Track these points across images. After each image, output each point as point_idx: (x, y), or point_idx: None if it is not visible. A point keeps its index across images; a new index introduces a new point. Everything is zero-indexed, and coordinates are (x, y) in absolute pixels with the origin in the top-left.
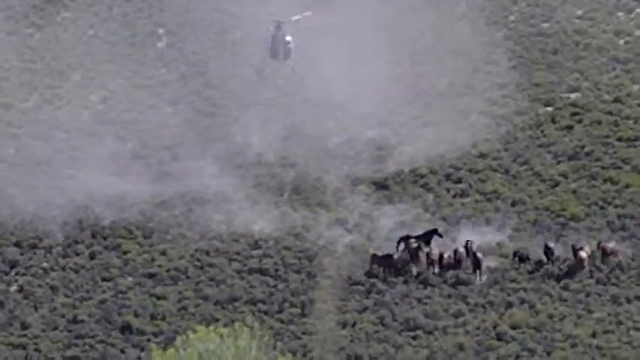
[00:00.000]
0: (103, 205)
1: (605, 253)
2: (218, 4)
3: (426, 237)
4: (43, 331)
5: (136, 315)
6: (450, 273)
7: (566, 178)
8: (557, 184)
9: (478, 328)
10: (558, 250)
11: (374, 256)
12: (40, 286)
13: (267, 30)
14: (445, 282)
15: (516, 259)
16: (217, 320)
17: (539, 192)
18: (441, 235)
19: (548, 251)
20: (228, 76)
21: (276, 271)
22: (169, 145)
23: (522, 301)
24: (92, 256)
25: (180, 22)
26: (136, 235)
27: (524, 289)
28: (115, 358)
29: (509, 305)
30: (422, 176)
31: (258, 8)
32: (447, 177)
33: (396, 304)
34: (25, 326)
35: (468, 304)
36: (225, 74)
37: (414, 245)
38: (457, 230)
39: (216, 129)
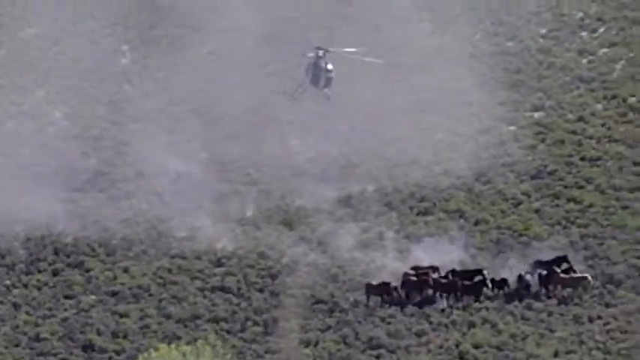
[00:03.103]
0: (66, 222)
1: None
2: (183, 21)
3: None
4: (6, 348)
5: (99, 333)
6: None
7: (529, 197)
8: (520, 203)
9: (441, 347)
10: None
11: (368, 285)
12: (2, 303)
13: (306, 57)
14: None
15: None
16: (179, 338)
17: (502, 211)
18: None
19: (522, 282)
20: (193, 92)
21: (239, 289)
22: (133, 162)
23: (485, 321)
24: (55, 274)
25: (145, 38)
26: (99, 252)
27: (487, 309)
28: None
29: (472, 325)
30: (386, 194)
31: (224, 24)
32: (411, 195)
33: (359, 322)
34: None
35: (431, 323)
36: (190, 90)
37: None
38: (420, 249)
39: (179, 146)
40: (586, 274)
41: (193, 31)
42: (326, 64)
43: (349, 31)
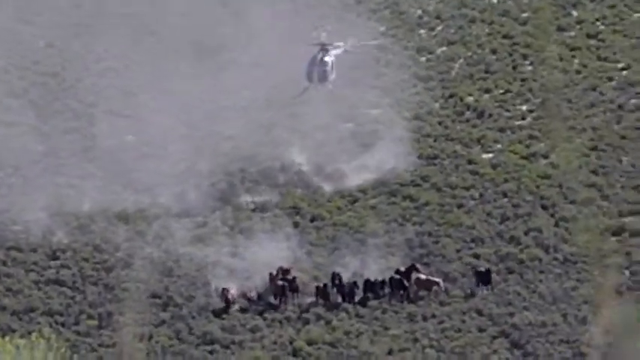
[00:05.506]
0: None
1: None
2: (20, 15)
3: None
4: None
5: None
6: None
7: (365, 194)
8: (356, 200)
9: (275, 343)
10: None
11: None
12: None
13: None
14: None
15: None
16: (14, 331)
17: (339, 208)
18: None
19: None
20: (29, 85)
21: (74, 282)
22: None
23: (319, 318)
24: None
25: None
26: None
27: (322, 305)
28: None
29: (306, 321)
30: (221, 190)
31: (61, 18)
32: (247, 190)
33: (193, 317)
34: None
35: (265, 319)
36: (28, 83)
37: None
38: (255, 245)
39: (16, 138)
40: (438, 279)
41: (27, 24)
42: (322, 58)
43: (189, 27)
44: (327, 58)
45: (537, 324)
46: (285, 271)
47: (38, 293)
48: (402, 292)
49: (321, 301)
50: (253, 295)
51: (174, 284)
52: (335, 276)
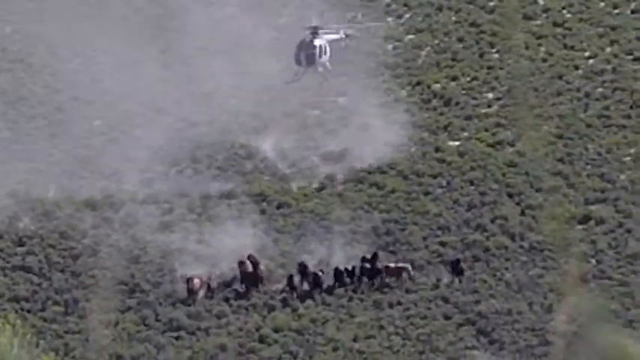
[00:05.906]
0: None
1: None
2: None
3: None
4: None
5: None
6: None
7: (332, 181)
8: (323, 188)
9: (241, 329)
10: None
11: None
12: None
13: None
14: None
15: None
16: None
17: (305, 195)
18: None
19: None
20: None
21: (40, 269)
22: None
23: (285, 304)
24: None
25: None
26: None
27: (288, 293)
28: None
29: (272, 308)
30: (188, 176)
31: (29, 4)
32: (214, 177)
33: (160, 304)
34: None
35: (231, 305)
36: None
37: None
38: (223, 232)
39: None
40: (407, 265)
41: None
42: (311, 41)
43: (157, 13)
44: (316, 42)
45: (503, 312)
46: (252, 258)
47: (4, 279)
48: (373, 280)
49: (287, 288)
50: (215, 285)
51: (140, 271)
52: (301, 265)
